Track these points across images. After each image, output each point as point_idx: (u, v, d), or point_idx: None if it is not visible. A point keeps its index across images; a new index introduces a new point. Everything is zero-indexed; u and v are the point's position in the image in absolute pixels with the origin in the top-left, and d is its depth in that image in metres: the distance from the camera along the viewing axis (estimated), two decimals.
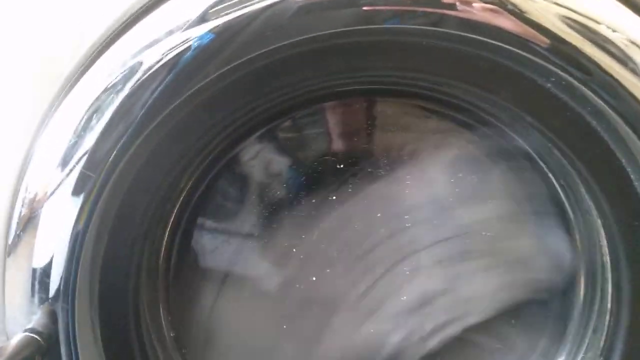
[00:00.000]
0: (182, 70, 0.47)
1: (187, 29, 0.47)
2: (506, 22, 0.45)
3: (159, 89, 0.47)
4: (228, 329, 0.65)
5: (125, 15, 0.49)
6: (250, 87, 0.50)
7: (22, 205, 0.51)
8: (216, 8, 0.47)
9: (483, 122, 0.59)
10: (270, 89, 0.51)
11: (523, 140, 0.58)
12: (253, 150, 0.62)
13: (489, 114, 0.56)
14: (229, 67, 0.46)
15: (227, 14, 0.46)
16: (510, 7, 0.44)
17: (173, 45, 0.47)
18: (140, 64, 0.47)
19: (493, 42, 0.45)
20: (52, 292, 0.51)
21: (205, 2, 0.47)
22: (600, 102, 0.45)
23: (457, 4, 0.44)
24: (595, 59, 0.45)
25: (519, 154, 0.59)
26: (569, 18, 0.44)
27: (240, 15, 0.45)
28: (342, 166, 0.64)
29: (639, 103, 0.45)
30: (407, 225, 0.62)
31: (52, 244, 0.51)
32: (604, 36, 0.44)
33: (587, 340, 0.59)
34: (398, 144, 0.63)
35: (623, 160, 0.48)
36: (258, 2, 0.45)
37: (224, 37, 0.46)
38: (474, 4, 0.44)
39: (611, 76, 0.45)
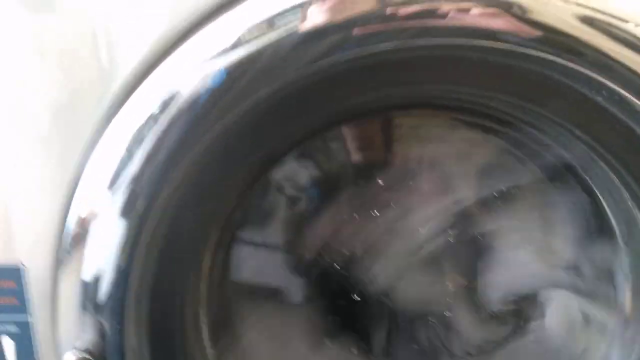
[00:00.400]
0: (205, 107, 0.47)
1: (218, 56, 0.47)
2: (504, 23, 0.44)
3: (188, 123, 0.48)
4: (268, 345, 0.65)
5: (169, 38, 0.50)
6: (278, 114, 0.50)
7: (74, 223, 0.51)
8: (249, 34, 0.47)
9: (520, 131, 0.59)
10: (294, 114, 0.52)
11: (566, 152, 0.57)
12: (288, 169, 0.63)
13: (531, 126, 0.56)
14: (251, 100, 0.47)
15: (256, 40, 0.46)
16: (515, 9, 0.44)
17: (199, 78, 0.47)
18: (178, 93, 0.48)
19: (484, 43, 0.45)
20: (101, 310, 0.51)
21: (237, 28, 0.47)
22: None
23: (451, 13, 0.44)
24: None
25: (560, 165, 0.59)
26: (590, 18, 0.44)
27: (249, 53, 0.46)
28: (380, 181, 0.64)
29: None
30: (449, 239, 0.63)
31: (102, 262, 0.51)
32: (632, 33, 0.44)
33: (633, 355, 0.58)
34: (430, 155, 0.63)
35: None
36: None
37: (235, 74, 0.47)
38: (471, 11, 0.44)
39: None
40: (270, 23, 0.46)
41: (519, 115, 0.53)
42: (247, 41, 0.46)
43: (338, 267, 0.64)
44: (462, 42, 0.45)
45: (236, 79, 0.47)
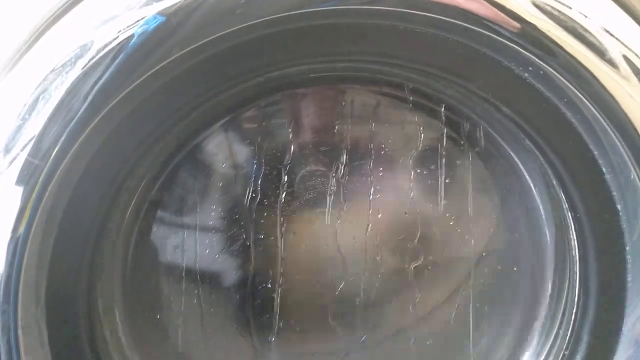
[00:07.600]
0: (133, 54, 0.43)
1: (143, 6, 0.43)
2: (477, 6, 0.43)
3: (111, 71, 0.43)
4: (186, 327, 0.62)
5: None
6: (210, 72, 0.47)
7: None
8: None
9: (457, 113, 0.58)
10: (231, 74, 0.49)
11: (496, 133, 0.57)
12: (216, 140, 0.59)
13: (464, 105, 0.55)
14: (183, 50, 0.44)
15: None
16: None
17: (126, 25, 0.43)
18: (92, 42, 0.43)
19: (465, 25, 0.44)
20: None
21: None
22: (576, 92, 0.44)
23: None
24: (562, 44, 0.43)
25: (493, 147, 0.59)
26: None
27: None
28: (309, 157, 0.61)
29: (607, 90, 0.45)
30: (378, 215, 0.61)
31: None
32: (576, 21, 0.43)
33: (554, 332, 0.59)
34: (369, 135, 0.61)
35: (596, 153, 0.48)
36: None
37: (174, 20, 0.43)
38: None
39: (580, 62, 0.44)
40: None
41: (451, 93, 0.52)
42: None
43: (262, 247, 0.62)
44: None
45: (175, 25, 0.43)
